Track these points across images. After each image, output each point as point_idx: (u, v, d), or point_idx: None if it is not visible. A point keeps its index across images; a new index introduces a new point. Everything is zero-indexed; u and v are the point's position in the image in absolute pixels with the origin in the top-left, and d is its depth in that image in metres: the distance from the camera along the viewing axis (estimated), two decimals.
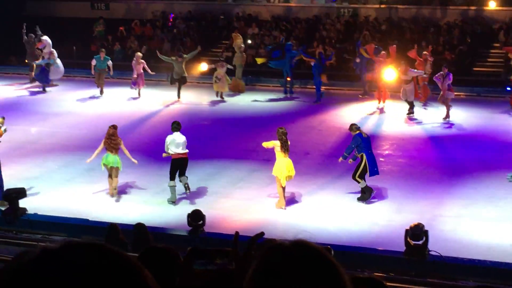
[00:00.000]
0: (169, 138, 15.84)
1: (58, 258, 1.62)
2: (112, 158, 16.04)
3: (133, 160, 16.37)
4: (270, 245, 1.99)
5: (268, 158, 18.60)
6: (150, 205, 15.72)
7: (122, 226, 13.60)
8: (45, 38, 28.07)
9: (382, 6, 34.61)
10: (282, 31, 33.83)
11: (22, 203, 14.31)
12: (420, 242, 11.90)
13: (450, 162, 18.90)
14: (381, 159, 19.47)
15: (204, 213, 12.63)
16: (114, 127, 16.27)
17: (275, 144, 15.32)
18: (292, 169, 15.39)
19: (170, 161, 15.98)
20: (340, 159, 16.04)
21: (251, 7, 36.50)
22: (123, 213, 15.09)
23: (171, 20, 36.27)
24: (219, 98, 26.07)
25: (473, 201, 15.82)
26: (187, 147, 15.88)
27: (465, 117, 23.75)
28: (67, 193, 16.44)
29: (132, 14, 37.24)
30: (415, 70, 23.54)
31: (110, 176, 16.31)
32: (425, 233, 11.86)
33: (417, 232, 11.74)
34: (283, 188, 15.41)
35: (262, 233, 2.92)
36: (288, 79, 26.93)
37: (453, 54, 30.28)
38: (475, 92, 26.98)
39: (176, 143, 15.75)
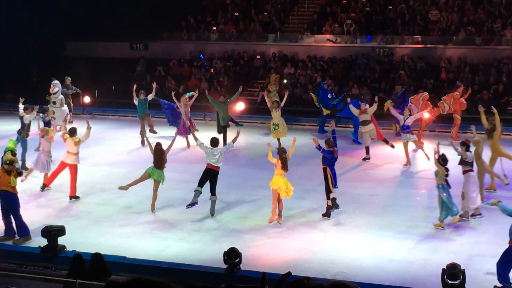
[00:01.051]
0: (207, 149, 17.41)
1: None
2: (157, 172, 17.64)
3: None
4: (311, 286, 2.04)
5: (303, 196, 18.69)
6: (187, 243, 15.77)
7: (158, 264, 13.70)
8: (56, 82, 26.71)
9: (419, 46, 34.61)
10: (318, 70, 33.99)
11: (62, 240, 14.46)
12: (457, 282, 11.76)
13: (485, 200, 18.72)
14: (417, 198, 19.38)
15: (240, 251, 12.64)
16: (159, 144, 17.97)
17: (275, 161, 16.77)
18: (290, 186, 16.77)
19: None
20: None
21: (287, 47, 36.71)
22: (160, 250, 15.15)
23: (203, 61, 36.56)
24: (276, 146, 22.37)
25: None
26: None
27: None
28: (106, 230, 16.58)
29: (170, 54, 37.66)
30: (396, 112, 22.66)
31: (154, 188, 17.81)
32: (462, 272, 11.73)
33: (454, 271, 11.60)
34: (280, 203, 16.77)
35: (289, 273, 2.96)
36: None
37: (489, 93, 30.16)
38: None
39: (213, 155, 17.32)
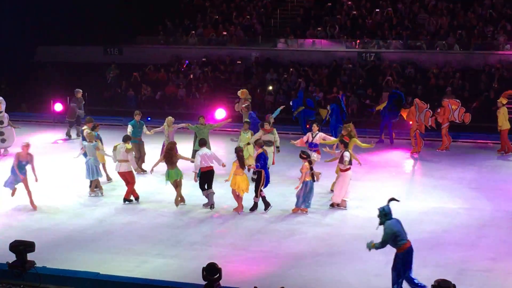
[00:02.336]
0: (201, 152, 18.92)
1: None
2: (173, 172, 18.94)
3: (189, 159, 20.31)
4: None
5: (287, 209, 18.76)
6: (164, 257, 15.72)
7: (133, 280, 13.63)
8: (1, 99, 25.55)
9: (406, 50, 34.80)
10: (301, 76, 34.06)
11: (31, 255, 14.35)
12: None
13: (476, 212, 18.87)
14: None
15: (220, 265, 12.61)
16: (172, 143, 19.43)
17: (235, 164, 18.67)
18: (247, 182, 18.91)
19: None
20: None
21: (269, 51, 36.76)
22: (135, 266, 15.09)
23: (184, 66, 36.57)
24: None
25: (502, 255, 15.73)
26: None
27: (494, 166, 23.82)
28: (78, 244, 16.48)
29: (146, 59, 37.58)
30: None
31: (175, 187, 19.08)
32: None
33: (444, 286, 11.63)
34: (241, 198, 18.82)
35: None
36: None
37: (479, 100, 30.34)
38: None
39: (208, 156, 18.97)
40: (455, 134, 27.40)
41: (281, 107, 25.48)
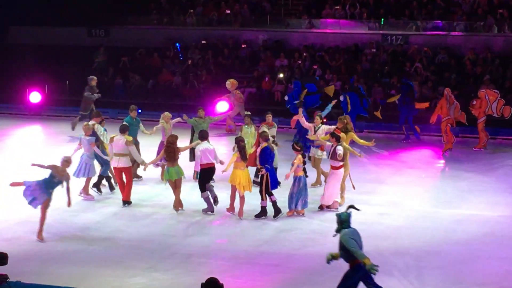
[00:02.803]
0: (202, 147, 18.88)
1: None
2: (173, 170, 18.92)
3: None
4: None
5: (303, 218, 18.80)
6: (157, 271, 15.72)
7: None
8: None
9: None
10: (316, 62, 34.03)
11: (3, 268, 14.38)
12: None
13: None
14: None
15: (221, 281, 12.63)
16: (174, 136, 19.32)
17: (235, 155, 18.74)
18: (250, 180, 19.00)
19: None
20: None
21: (279, 33, 36.71)
22: (124, 281, 15.11)
23: (177, 50, 36.51)
24: None
25: None
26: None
27: None
28: (57, 256, 16.49)
29: (136, 42, 37.57)
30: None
31: (174, 188, 19.08)
32: None
33: None
34: (241, 199, 18.76)
35: None
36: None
37: None
38: None
39: (209, 151, 18.99)
40: (494, 130, 27.38)
41: (333, 102, 24.08)
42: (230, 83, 28.19)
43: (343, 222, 13.16)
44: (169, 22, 38.75)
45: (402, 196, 20.83)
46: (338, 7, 36.87)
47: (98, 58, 36.62)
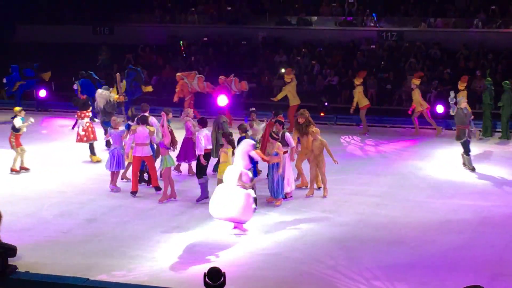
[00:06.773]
0: (203, 133, 19.08)
1: None
2: (172, 159, 19.42)
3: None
4: None
5: (301, 208, 18.75)
6: (160, 261, 15.70)
7: (126, 287, 13.63)
8: None
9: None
10: (314, 58, 33.98)
11: (12, 259, 14.37)
12: None
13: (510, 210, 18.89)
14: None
15: (224, 270, 12.60)
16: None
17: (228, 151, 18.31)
18: None
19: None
20: None
21: (278, 30, 36.64)
22: (128, 270, 15.07)
23: (182, 48, 36.47)
24: None
25: None
26: None
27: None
28: (64, 247, 16.46)
29: (140, 39, 37.52)
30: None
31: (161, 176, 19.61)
32: None
33: None
34: None
35: None
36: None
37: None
38: None
39: (207, 137, 19.28)
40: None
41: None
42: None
43: None
44: (171, 20, 38.69)
45: (397, 187, 20.84)
46: (335, 4, 36.80)
47: (102, 55, 36.57)
